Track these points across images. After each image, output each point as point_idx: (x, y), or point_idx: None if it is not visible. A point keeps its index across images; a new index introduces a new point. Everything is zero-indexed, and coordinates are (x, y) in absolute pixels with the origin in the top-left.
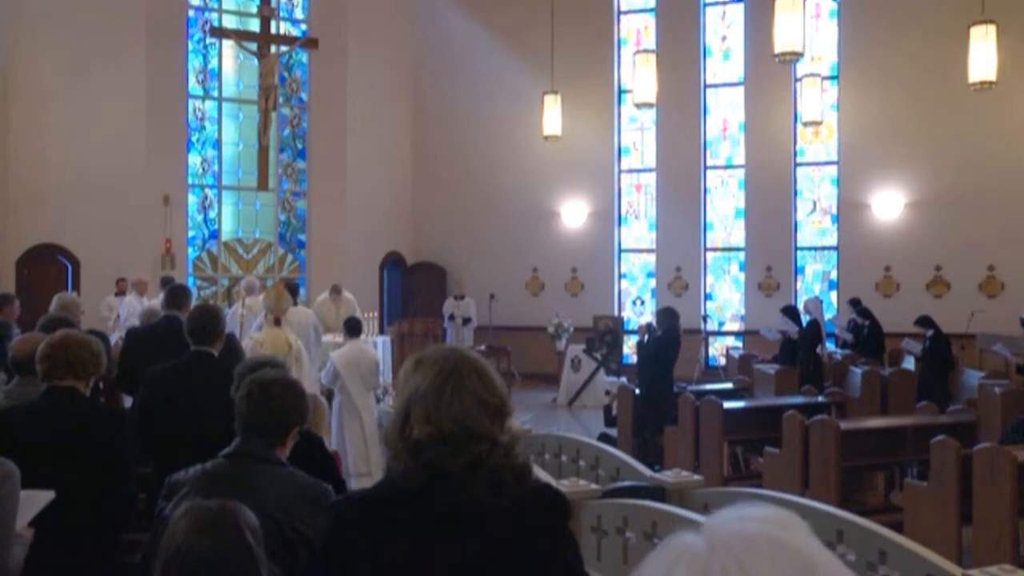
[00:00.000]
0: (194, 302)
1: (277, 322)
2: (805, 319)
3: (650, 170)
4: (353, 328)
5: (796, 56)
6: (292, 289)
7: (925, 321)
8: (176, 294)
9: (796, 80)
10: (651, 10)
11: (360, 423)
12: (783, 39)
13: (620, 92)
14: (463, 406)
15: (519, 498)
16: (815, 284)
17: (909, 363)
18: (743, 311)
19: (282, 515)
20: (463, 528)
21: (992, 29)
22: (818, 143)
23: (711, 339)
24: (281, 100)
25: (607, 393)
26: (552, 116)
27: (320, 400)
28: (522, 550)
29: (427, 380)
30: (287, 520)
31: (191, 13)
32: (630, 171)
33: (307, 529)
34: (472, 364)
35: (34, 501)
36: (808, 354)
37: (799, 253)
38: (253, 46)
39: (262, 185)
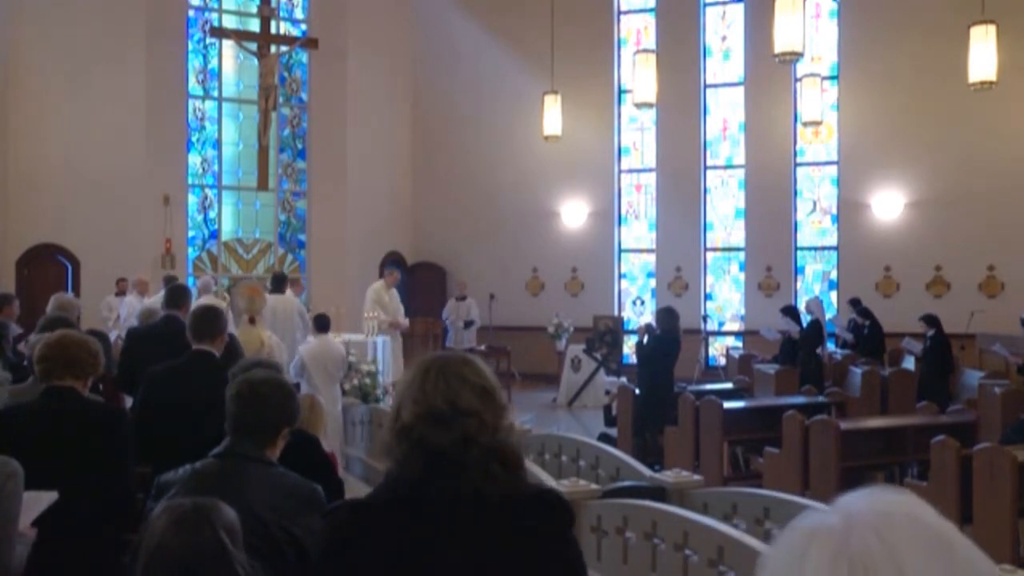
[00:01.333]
0: (194, 302)
1: (251, 321)
2: (806, 319)
3: (650, 170)
4: (321, 325)
5: (796, 56)
6: (280, 279)
7: (930, 319)
8: (176, 294)
9: (796, 80)
10: (651, 10)
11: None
12: (783, 39)
13: (620, 92)
14: (449, 384)
15: (521, 498)
16: (815, 284)
17: (909, 363)
18: (743, 311)
19: (271, 515)
20: (463, 530)
21: (992, 29)
22: (818, 143)
23: (711, 339)
24: (281, 100)
25: (607, 393)
26: (552, 116)
27: (318, 401)
28: (523, 554)
29: (412, 374)
30: (276, 520)
31: (191, 13)
32: (630, 171)
33: (296, 529)
34: (460, 356)
35: (37, 502)
36: (809, 354)
37: (799, 253)
38: (253, 46)
39: (262, 185)
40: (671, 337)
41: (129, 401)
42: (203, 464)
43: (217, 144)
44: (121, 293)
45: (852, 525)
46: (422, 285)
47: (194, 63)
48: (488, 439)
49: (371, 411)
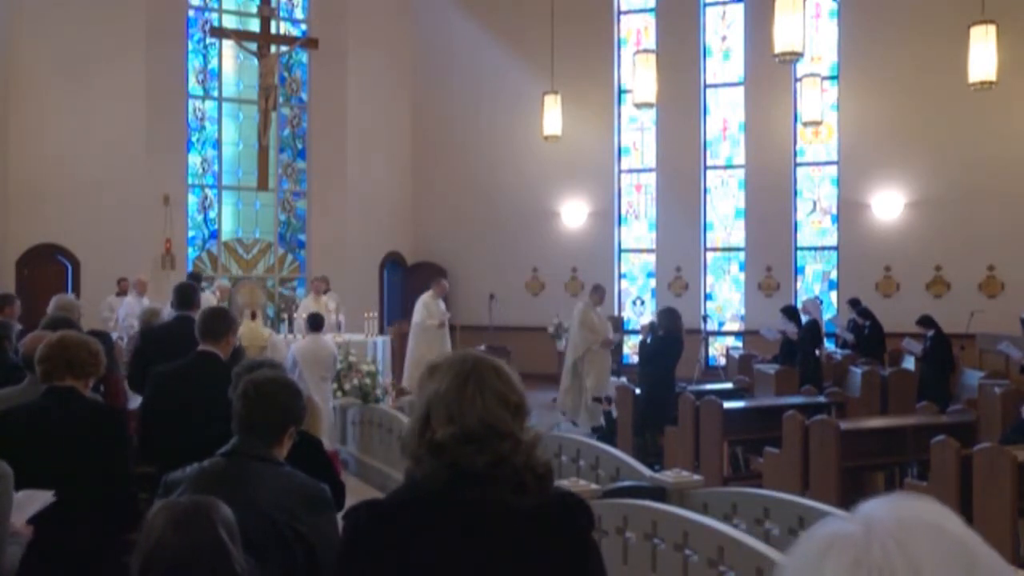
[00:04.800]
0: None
1: (253, 316)
2: (804, 319)
3: (650, 170)
4: (314, 324)
5: (796, 56)
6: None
7: (926, 321)
8: (185, 294)
9: (796, 80)
10: (651, 10)
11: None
12: (783, 39)
13: (620, 92)
14: (486, 404)
15: (542, 503)
16: (815, 284)
17: (909, 363)
18: (743, 311)
19: (279, 514)
20: (485, 532)
21: (992, 29)
22: (818, 143)
23: (711, 339)
24: (281, 100)
25: (599, 399)
26: (552, 116)
27: (315, 401)
28: (544, 556)
29: (446, 382)
30: (284, 519)
31: (191, 13)
32: (630, 171)
33: (304, 528)
34: (490, 363)
35: (33, 500)
36: (807, 355)
37: (799, 253)
38: (253, 46)
39: (262, 185)
40: (673, 337)
41: (136, 401)
42: (211, 463)
43: (217, 144)
44: (123, 293)
45: (872, 533)
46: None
47: (194, 63)
48: (521, 459)
49: (363, 411)
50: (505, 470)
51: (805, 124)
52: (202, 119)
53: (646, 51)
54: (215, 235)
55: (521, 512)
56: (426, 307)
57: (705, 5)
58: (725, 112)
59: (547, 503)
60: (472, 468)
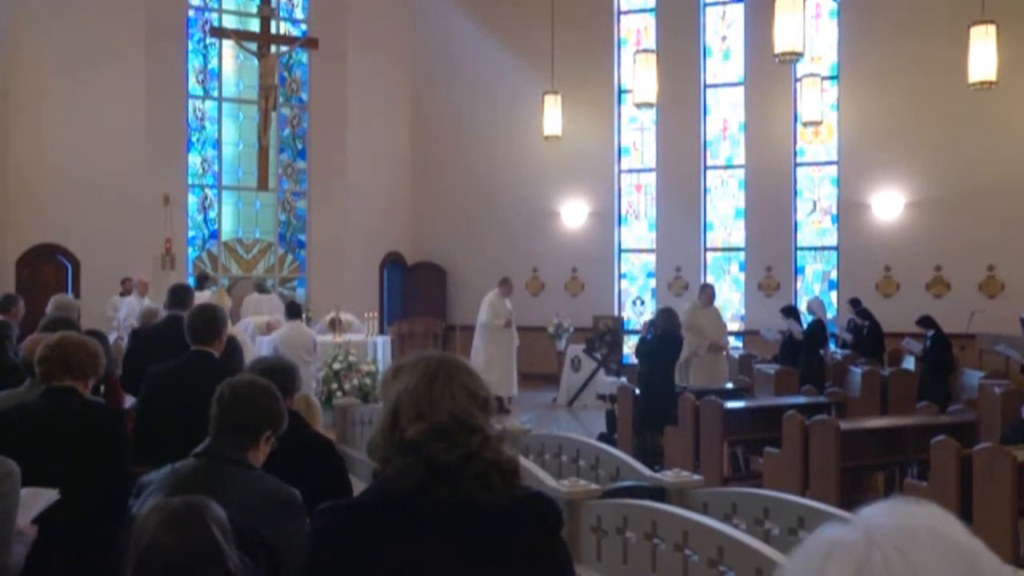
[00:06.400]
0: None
1: None
2: (806, 319)
3: (650, 170)
4: (292, 311)
5: (796, 56)
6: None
7: (926, 321)
8: (178, 294)
9: (796, 80)
10: (651, 10)
11: None
12: (783, 39)
13: (620, 92)
14: (455, 399)
15: (510, 502)
16: (815, 284)
17: (909, 363)
18: (743, 311)
19: (244, 517)
20: (456, 531)
21: (992, 29)
22: (818, 143)
23: None
24: (281, 100)
25: (603, 397)
26: (552, 116)
27: (313, 400)
28: (514, 556)
29: (414, 379)
30: (249, 522)
31: (191, 13)
32: (630, 171)
33: (269, 532)
34: (456, 360)
35: (38, 499)
36: (811, 354)
37: (799, 253)
38: (253, 46)
39: (262, 185)
40: (670, 337)
41: (130, 401)
42: (182, 464)
43: (217, 144)
44: (127, 293)
45: (873, 541)
46: (422, 285)
47: (194, 63)
48: (490, 455)
49: (361, 411)
50: (475, 466)
51: (805, 124)
52: (202, 119)
53: (646, 51)
54: (215, 235)
55: (490, 511)
56: (492, 306)
57: (705, 5)
58: (725, 112)
59: (515, 502)
60: (445, 464)
